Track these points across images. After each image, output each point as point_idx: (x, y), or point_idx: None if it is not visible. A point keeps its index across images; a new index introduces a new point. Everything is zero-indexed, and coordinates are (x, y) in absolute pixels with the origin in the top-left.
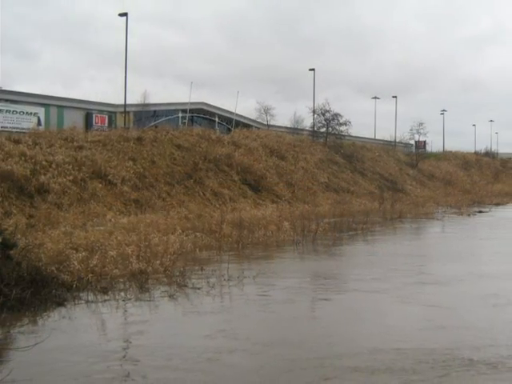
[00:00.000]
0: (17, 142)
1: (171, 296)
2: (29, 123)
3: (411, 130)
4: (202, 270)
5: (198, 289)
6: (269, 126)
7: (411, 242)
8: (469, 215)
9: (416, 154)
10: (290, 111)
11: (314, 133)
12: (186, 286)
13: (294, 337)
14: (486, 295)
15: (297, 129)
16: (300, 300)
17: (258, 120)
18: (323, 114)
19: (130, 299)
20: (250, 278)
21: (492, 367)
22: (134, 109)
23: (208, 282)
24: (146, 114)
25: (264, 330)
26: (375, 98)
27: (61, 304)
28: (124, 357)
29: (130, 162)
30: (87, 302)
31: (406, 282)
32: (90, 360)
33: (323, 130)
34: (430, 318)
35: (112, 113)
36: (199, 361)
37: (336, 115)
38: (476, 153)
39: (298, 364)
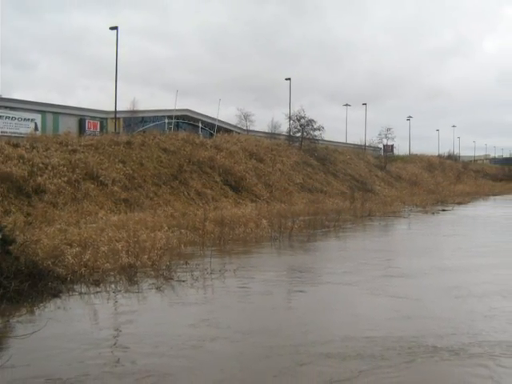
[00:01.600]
0: (15, 145)
1: (158, 288)
2: (26, 128)
3: (380, 134)
4: (186, 264)
5: (183, 281)
6: (248, 131)
7: (380, 239)
8: (433, 213)
9: (384, 157)
10: (268, 117)
11: (289, 137)
12: (171, 278)
13: (272, 326)
14: (449, 287)
15: (274, 134)
16: (277, 292)
17: (239, 125)
18: (298, 120)
19: (120, 291)
20: (231, 271)
21: (454, 354)
22: (123, 115)
23: (192, 275)
24: (135, 120)
25: (244, 319)
26: (346, 105)
27: (56, 295)
28: (114, 344)
29: (120, 165)
30: (80, 293)
31: (375, 275)
32: (83, 347)
33: (298, 134)
34: (397, 308)
35: (103, 119)
36: (184, 348)
37: (310, 121)
38: (439, 156)
39: (275, 351)
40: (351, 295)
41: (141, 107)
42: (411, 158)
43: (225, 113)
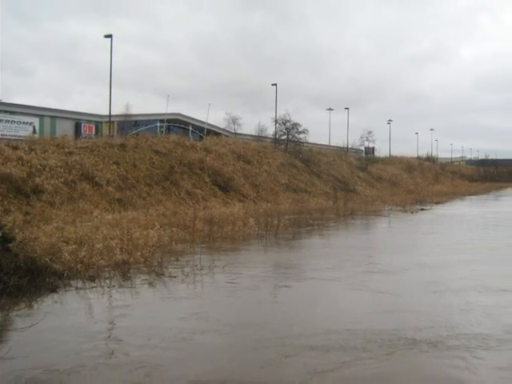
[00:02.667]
0: (15, 148)
1: (150, 283)
2: (25, 131)
3: (361, 137)
4: (177, 260)
5: (174, 277)
6: (236, 134)
7: (361, 236)
8: (412, 212)
9: (366, 159)
10: (255, 121)
11: (275, 140)
12: (163, 274)
13: (259, 319)
14: (427, 283)
15: (261, 137)
16: (264, 287)
17: (227, 129)
18: (284, 124)
19: (114, 286)
20: (220, 267)
21: (432, 346)
22: (117, 119)
23: (183, 271)
24: (129, 124)
25: (232, 313)
26: (330, 109)
27: (53, 290)
28: (109, 337)
29: (114, 166)
30: (77, 288)
31: (357, 271)
32: (79, 339)
33: (284, 137)
34: (378, 302)
35: (98, 122)
36: (175, 340)
37: (295, 124)
38: (418, 158)
39: (261, 343)
40: (334, 290)
41: (134, 111)
42: (391, 160)
43: (214, 117)
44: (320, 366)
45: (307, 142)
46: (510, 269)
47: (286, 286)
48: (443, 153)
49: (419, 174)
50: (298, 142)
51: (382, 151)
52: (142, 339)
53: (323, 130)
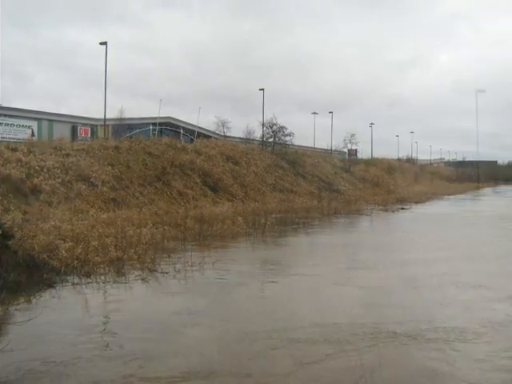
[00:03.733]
0: (14, 150)
1: (143, 279)
2: (24, 134)
3: (344, 140)
4: (169, 257)
5: (166, 273)
6: (225, 136)
7: (345, 234)
8: (393, 212)
9: (349, 160)
10: (244, 124)
11: (263, 142)
12: (155, 270)
13: (246, 313)
14: (408, 278)
15: (249, 139)
16: (251, 282)
17: (217, 132)
18: (271, 127)
19: (109, 282)
20: (210, 264)
21: (412, 338)
22: (112, 122)
23: (174, 268)
24: (123, 127)
25: (221, 307)
26: (314, 113)
27: (51, 286)
28: (104, 330)
29: (109, 167)
30: (73, 284)
31: (341, 268)
32: (76, 332)
33: (271, 140)
34: (360, 297)
35: (94, 126)
36: (167, 333)
37: (282, 128)
38: (399, 159)
39: (249, 336)
40: (319, 285)
41: (128, 115)
42: (373, 161)
43: (204, 120)
44: (305, 358)
45: (293, 145)
46: (485, 265)
47: (272, 282)
48: (423, 155)
49: (400, 175)
50: (285, 145)
51: (364, 153)
52: (135, 332)
53: (308, 132)
